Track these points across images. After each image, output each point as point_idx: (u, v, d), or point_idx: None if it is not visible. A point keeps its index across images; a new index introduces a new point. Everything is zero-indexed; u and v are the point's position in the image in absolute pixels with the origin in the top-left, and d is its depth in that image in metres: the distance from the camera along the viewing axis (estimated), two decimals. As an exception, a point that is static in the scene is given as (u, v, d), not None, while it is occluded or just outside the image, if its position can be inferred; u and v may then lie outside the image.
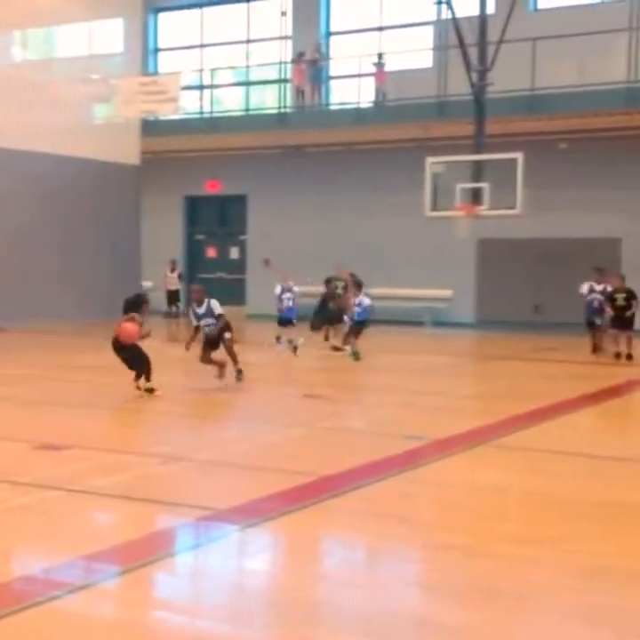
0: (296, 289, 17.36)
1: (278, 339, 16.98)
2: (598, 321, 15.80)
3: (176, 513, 6.46)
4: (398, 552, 5.81)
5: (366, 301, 15.62)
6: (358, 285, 16.05)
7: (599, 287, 15.99)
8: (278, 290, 17.25)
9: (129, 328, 11.39)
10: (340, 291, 17.28)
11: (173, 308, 23.84)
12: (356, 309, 15.42)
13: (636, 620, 4.69)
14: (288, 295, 17.13)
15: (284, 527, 6.19)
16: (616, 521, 6.38)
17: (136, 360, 11.41)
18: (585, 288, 16.20)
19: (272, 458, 8.17)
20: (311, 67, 22.51)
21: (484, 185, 17.02)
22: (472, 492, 7.30)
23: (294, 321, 16.91)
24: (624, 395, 12.75)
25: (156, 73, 25.85)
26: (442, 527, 6.29)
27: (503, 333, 17.82)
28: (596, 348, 15.96)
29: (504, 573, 5.33)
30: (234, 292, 25.84)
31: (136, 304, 12.07)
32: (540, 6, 21.76)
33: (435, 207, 17.54)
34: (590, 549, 5.75)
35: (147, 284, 24.93)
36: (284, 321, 17.03)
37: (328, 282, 17.76)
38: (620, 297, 15.58)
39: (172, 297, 23.96)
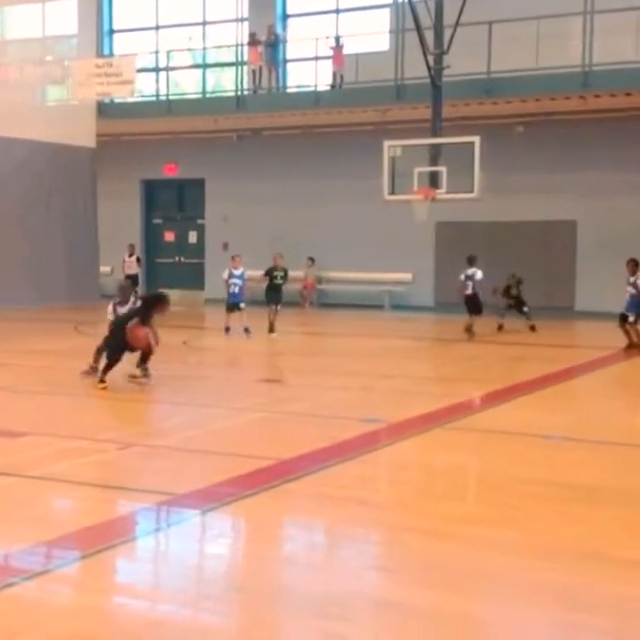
0: (245, 273, 17.22)
1: (228, 329, 16.78)
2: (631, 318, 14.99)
3: (134, 498, 6.43)
4: (357, 535, 5.84)
5: None
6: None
7: (633, 279, 15.17)
8: (225, 274, 17.17)
9: (142, 338, 10.93)
10: (279, 280, 17.18)
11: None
12: None
13: (593, 599, 4.77)
14: (234, 280, 17.06)
15: (243, 511, 6.19)
16: (572, 501, 6.47)
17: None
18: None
19: (229, 443, 8.16)
20: (267, 49, 22.37)
21: (442, 168, 17.08)
22: (430, 474, 7.36)
23: (242, 305, 16.84)
24: (580, 376, 12.91)
25: (111, 55, 25.55)
26: (400, 509, 6.34)
27: (462, 316, 17.93)
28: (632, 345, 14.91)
29: (462, 554, 5.38)
30: (192, 277, 25.75)
31: (152, 305, 11.39)
32: (496, -11, 21.80)
33: (393, 191, 17.57)
34: (543, 529, 5.83)
35: (105, 268, 24.75)
36: (232, 306, 16.96)
37: (268, 273, 17.54)
38: None
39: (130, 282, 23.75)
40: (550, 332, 17.62)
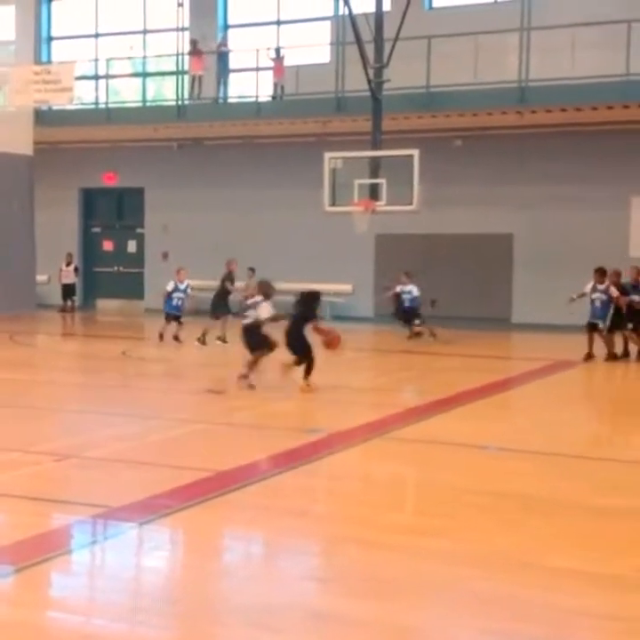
0: (189, 288, 17.23)
1: (161, 336, 16.74)
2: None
3: (69, 511, 6.35)
4: (296, 545, 5.85)
5: None
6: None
7: (603, 286, 15.42)
8: (170, 287, 17.15)
9: (333, 337, 11.76)
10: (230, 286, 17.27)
11: (68, 303, 23.40)
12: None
13: (527, 607, 4.84)
14: (179, 294, 17.06)
15: (181, 523, 6.15)
16: (507, 511, 6.56)
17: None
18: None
19: (168, 454, 8.10)
20: (218, 59, 22.33)
21: (382, 181, 17.21)
22: (369, 484, 7.40)
23: (181, 318, 16.99)
24: (517, 386, 13.09)
25: (49, 62, 25.24)
26: (339, 520, 6.36)
27: (401, 327, 18.09)
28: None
29: (400, 564, 5.42)
30: (131, 287, 25.52)
31: (314, 301, 12.05)
32: (434, 5, 22.11)
33: (334, 202, 17.65)
34: (480, 538, 5.90)
35: (42, 277, 24.41)
36: (173, 317, 16.99)
37: (229, 280, 17.66)
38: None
39: (68, 291, 23.52)
40: (487, 344, 17.84)
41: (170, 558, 5.79)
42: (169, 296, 17.16)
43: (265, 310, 11.95)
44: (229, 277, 17.50)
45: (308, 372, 11.58)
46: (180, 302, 17.03)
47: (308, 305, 12.06)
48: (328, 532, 6.09)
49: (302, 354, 11.68)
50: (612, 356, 15.10)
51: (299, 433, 8.91)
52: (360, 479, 7.59)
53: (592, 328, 15.44)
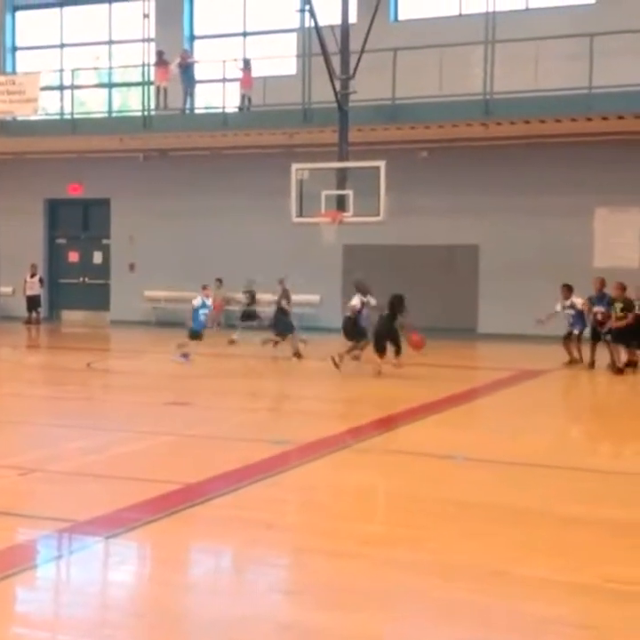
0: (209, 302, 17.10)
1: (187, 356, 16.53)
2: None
3: (35, 525, 6.28)
4: (264, 558, 5.83)
5: None
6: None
7: (568, 302, 15.95)
8: (198, 302, 16.64)
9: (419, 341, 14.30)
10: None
11: (33, 314, 23.19)
12: None
13: (495, 616, 4.86)
14: (205, 310, 16.86)
15: (148, 536, 6.12)
16: (474, 520, 6.59)
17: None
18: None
19: (133, 467, 8.05)
20: (183, 71, 22.27)
21: (349, 192, 17.25)
22: (336, 495, 7.41)
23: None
24: (483, 396, 13.16)
25: (13, 72, 25.06)
26: (307, 531, 6.35)
27: (369, 338, 18.11)
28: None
29: (368, 575, 5.42)
30: (97, 298, 25.35)
31: (401, 303, 14.36)
32: (400, 17, 22.25)
33: (301, 213, 17.66)
34: (448, 548, 5.93)
35: (5, 289, 24.20)
36: (199, 334, 16.51)
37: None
38: (619, 307, 15.25)
39: (32, 302, 23.31)
40: (453, 354, 17.92)
41: (137, 572, 5.75)
42: (196, 312, 16.80)
43: (356, 301, 15.12)
44: (285, 295, 17.38)
45: (398, 353, 14.38)
46: (204, 318, 16.87)
47: (396, 306, 14.48)
48: (296, 543, 6.09)
49: (398, 346, 14.44)
50: (613, 367, 14.94)
51: (266, 444, 8.89)
52: (327, 490, 7.59)
53: (568, 336, 15.81)
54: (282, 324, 17.15)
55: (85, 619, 4.80)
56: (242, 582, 5.49)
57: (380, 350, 14.35)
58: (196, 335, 16.37)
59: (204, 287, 17.19)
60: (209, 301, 16.92)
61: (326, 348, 18.13)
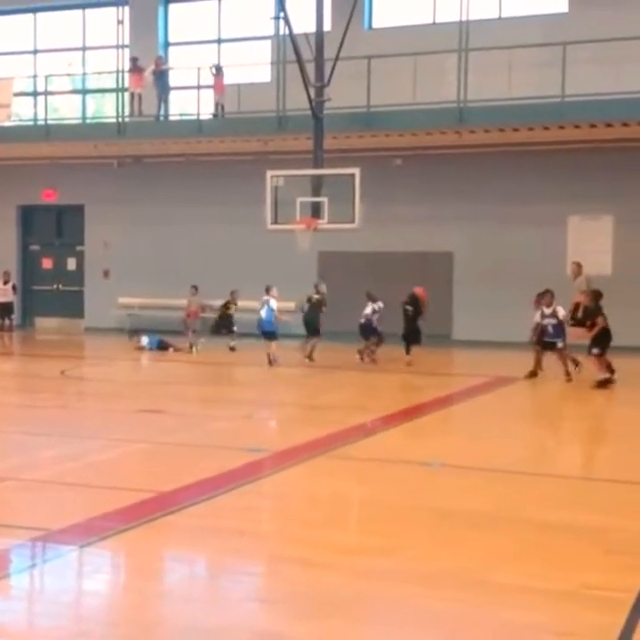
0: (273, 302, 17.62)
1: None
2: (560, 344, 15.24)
3: (7, 534, 6.23)
4: (238, 566, 5.82)
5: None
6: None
7: (550, 310, 15.38)
8: (274, 305, 17.48)
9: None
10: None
11: (6, 322, 22.97)
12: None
13: (476, 625, 4.87)
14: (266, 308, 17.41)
15: (122, 545, 6.08)
16: (452, 527, 6.60)
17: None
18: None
19: (107, 475, 8.00)
20: (157, 78, 22.21)
21: (324, 199, 17.28)
22: (311, 503, 7.40)
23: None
24: (458, 403, 13.20)
25: (-14, 78, 24.89)
26: (282, 539, 6.34)
27: (344, 345, 18.14)
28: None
29: (343, 583, 5.42)
30: (71, 305, 25.19)
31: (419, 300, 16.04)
32: (374, 25, 22.34)
33: (276, 220, 17.66)
34: (425, 556, 5.94)
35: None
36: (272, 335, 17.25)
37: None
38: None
39: (5, 309, 23.09)
40: (428, 360, 17.96)
41: (111, 581, 5.72)
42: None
43: (368, 309, 17.09)
44: (324, 302, 17.80)
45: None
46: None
47: (416, 303, 16.40)
48: (271, 552, 6.07)
49: (418, 342, 16.56)
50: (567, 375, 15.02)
51: (241, 452, 8.87)
52: (303, 498, 7.58)
53: (548, 346, 15.34)
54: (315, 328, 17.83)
55: (59, 628, 4.76)
56: (217, 591, 5.47)
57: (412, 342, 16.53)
58: (269, 335, 17.27)
59: (271, 288, 17.68)
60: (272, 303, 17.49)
61: (300, 355, 18.15)
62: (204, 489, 7.39)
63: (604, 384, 14.19)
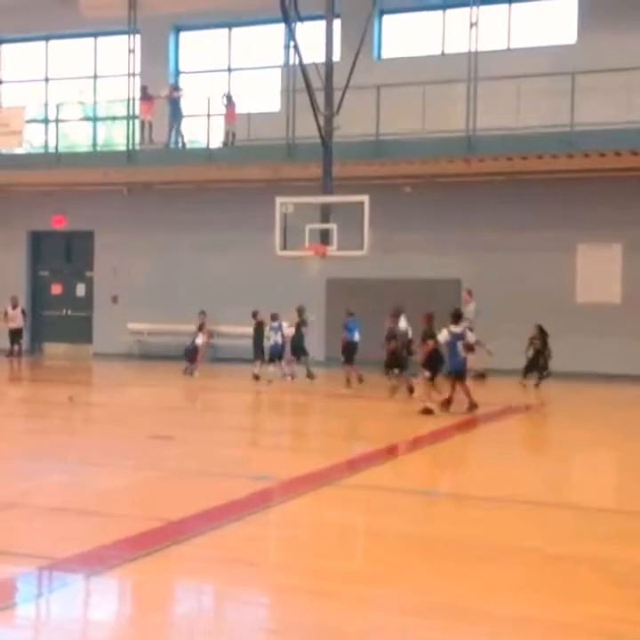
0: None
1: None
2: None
3: (14, 562, 6.21)
4: (246, 596, 5.79)
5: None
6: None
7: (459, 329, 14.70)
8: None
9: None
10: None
11: (15, 347, 23.03)
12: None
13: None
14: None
15: (130, 575, 6.05)
16: (456, 558, 6.56)
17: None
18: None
19: (116, 502, 7.99)
20: (170, 105, 22.41)
21: (333, 226, 17.34)
22: (319, 533, 7.36)
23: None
24: (463, 432, 13.15)
25: (-1, 105, 25.14)
26: (289, 569, 6.31)
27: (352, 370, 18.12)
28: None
29: (349, 614, 5.39)
30: (79, 330, 25.27)
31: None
32: (384, 55, 22.51)
33: (285, 246, 17.73)
34: (430, 587, 5.90)
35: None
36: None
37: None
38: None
39: (15, 335, 23.15)
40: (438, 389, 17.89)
41: (118, 611, 5.69)
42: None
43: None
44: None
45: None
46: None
47: (431, 323, 14.55)
48: (278, 582, 6.04)
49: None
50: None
51: (247, 480, 8.85)
52: (310, 528, 7.54)
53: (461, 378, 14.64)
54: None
55: (65, 659, 4.73)
56: (224, 621, 5.44)
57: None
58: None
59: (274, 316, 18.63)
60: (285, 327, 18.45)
61: (309, 381, 18.13)
62: (212, 518, 7.37)
63: (428, 412, 13.78)
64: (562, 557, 6.58)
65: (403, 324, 16.84)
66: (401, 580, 5.99)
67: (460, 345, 14.19)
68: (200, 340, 19.30)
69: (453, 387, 14.40)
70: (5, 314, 22.74)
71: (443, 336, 14.22)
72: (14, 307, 23.10)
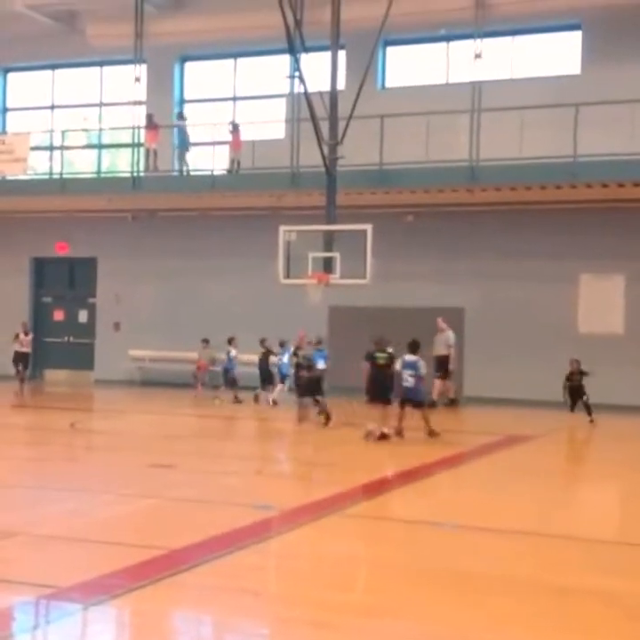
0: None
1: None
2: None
3: (14, 591, 6.15)
4: (249, 627, 5.73)
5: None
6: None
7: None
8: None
9: None
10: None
11: (21, 370, 22.98)
12: None
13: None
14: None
15: (132, 604, 5.99)
16: (464, 590, 6.49)
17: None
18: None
19: (118, 531, 7.93)
20: (180, 134, 22.59)
21: (336, 254, 17.38)
22: (322, 564, 7.30)
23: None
24: (471, 462, 13.08)
25: (4, 132, 25.28)
26: (292, 600, 6.25)
27: (353, 399, 18.06)
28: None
29: (354, 646, 5.33)
30: (81, 357, 25.25)
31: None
32: (388, 85, 22.66)
33: (288, 274, 17.76)
34: (439, 619, 5.83)
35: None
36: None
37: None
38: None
39: (24, 359, 23.13)
40: (439, 418, 17.83)
41: (119, 641, 5.62)
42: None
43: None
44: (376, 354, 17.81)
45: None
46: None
47: (379, 347, 14.53)
48: (280, 613, 5.98)
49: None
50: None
51: (249, 509, 8.79)
52: (314, 558, 7.48)
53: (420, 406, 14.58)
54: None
55: (66, 691, 4.67)
56: (227, 653, 5.38)
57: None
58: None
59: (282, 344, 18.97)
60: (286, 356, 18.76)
61: (311, 409, 18.05)
62: (214, 547, 7.31)
63: (383, 437, 13.78)
64: (568, 590, 6.51)
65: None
66: (404, 612, 5.93)
67: (406, 374, 14.22)
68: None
69: (401, 415, 14.27)
70: (17, 336, 22.75)
71: (398, 364, 14.39)
72: (26, 333, 23.14)
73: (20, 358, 22.21)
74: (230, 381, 19.70)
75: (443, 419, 17.82)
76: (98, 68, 25.34)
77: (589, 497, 11.17)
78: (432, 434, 14.19)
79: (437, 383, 18.98)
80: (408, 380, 14.25)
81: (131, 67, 22.70)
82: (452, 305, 21.34)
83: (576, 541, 8.20)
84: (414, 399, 14.29)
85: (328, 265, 17.48)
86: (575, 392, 16.54)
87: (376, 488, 10.47)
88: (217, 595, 6.25)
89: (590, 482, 12.13)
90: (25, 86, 26.38)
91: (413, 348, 14.56)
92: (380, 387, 14.28)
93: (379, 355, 14.48)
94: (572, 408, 16.60)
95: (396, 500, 9.83)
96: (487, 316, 21.13)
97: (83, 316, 25.68)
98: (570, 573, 6.98)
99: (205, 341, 21.39)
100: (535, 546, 7.98)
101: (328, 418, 15.58)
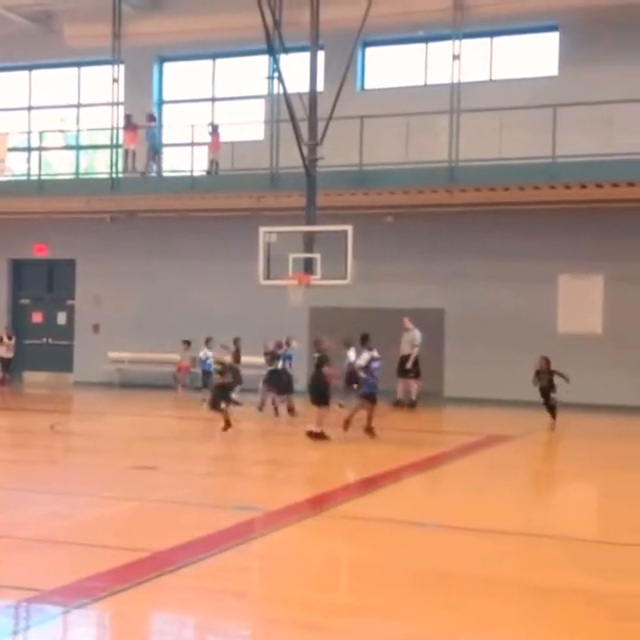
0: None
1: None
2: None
3: (-2, 595, 6.11)
4: (233, 629, 5.72)
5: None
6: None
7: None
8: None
9: None
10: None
11: (6, 376, 22.89)
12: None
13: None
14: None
15: (115, 607, 5.96)
16: (447, 590, 6.50)
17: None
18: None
19: (100, 534, 7.88)
20: (148, 135, 22.46)
21: (316, 255, 17.37)
22: (306, 564, 7.29)
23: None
24: (452, 461, 13.11)
25: (-19, 134, 25.08)
26: (276, 601, 6.24)
27: (338, 400, 18.07)
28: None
29: (339, 646, 5.32)
30: (60, 359, 25.10)
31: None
32: (367, 86, 22.68)
33: (268, 276, 17.72)
34: (423, 619, 5.84)
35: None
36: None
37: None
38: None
39: (7, 364, 23.02)
40: (420, 418, 17.91)
41: (103, 644, 5.59)
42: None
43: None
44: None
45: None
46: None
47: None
48: (265, 614, 5.97)
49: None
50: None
51: (232, 510, 8.77)
52: (297, 559, 7.47)
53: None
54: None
55: (51, 695, 4.64)
56: (212, 655, 5.35)
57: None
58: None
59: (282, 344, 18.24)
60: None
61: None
62: (198, 549, 7.28)
63: (316, 436, 13.91)
64: (551, 590, 6.53)
65: (352, 354, 17.20)
66: (388, 612, 5.93)
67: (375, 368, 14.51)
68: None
69: (355, 409, 14.59)
70: (1, 340, 22.62)
71: (363, 359, 14.69)
72: (10, 337, 23.01)
73: (3, 363, 22.09)
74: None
75: (423, 419, 17.88)
76: (75, 69, 25.21)
77: (571, 496, 11.22)
78: (369, 431, 14.28)
79: (412, 383, 18.97)
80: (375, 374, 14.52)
81: (108, 67, 22.59)
82: (432, 306, 21.40)
83: (559, 541, 8.23)
84: (367, 393, 14.47)
85: (309, 266, 17.46)
86: (544, 391, 16.41)
87: (359, 488, 10.47)
88: (200, 596, 6.22)
89: (571, 481, 12.18)
90: (2, 87, 26.19)
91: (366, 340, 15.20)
92: (312, 388, 14.61)
93: (314, 356, 14.87)
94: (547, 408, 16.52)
95: (378, 501, 9.83)
96: (467, 316, 21.20)
97: (61, 318, 25.54)
98: (553, 573, 7.00)
99: (186, 343, 21.34)
100: (518, 546, 8.01)
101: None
